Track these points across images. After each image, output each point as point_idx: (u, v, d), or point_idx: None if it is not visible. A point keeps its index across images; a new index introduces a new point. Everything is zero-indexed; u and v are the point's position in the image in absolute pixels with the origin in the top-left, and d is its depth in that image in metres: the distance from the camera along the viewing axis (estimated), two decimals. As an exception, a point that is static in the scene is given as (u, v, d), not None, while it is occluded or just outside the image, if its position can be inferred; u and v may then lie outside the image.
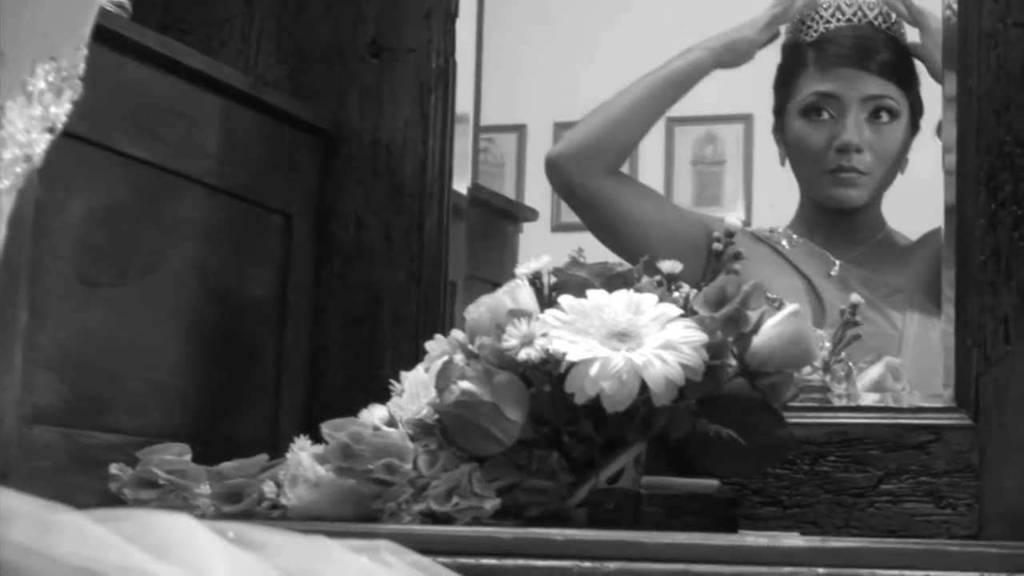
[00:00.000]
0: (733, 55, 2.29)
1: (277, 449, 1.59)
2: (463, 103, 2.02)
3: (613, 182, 2.29)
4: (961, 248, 1.77)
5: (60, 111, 0.93)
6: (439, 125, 1.96)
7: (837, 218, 2.24)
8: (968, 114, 1.77)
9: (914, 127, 2.26)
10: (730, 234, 1.59)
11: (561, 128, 4.42)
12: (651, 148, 2.53)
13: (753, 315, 1.50)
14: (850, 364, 1.97)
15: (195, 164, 1.77)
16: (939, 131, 2.27)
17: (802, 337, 1.55)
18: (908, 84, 2.24)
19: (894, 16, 2.25)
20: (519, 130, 4.40)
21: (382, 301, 1.95)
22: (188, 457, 1.54)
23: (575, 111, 2.40)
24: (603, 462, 1.50)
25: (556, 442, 1.49)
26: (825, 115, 2.20)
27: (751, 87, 2.43)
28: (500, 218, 2.39)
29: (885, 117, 2.20)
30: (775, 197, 2.42)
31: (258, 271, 1.89)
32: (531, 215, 2.48)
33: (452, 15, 1.99)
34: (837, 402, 1.87)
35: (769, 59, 2.31)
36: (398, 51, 1.99)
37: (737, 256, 1.60)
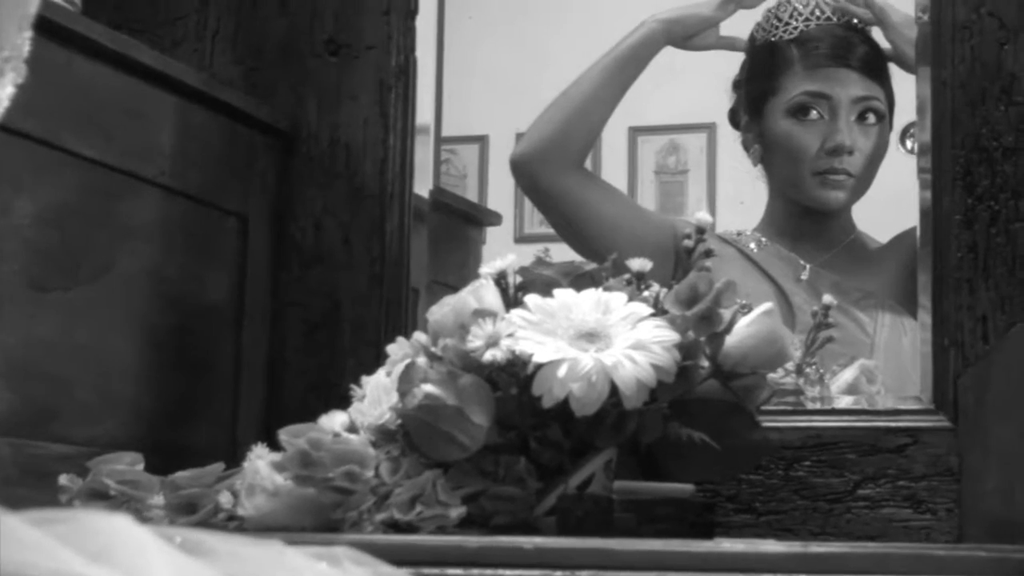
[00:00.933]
0: (683, 29, 2.25)
1: (234, 458, 1.53)
2: (424, 104, 1.96)
3: (580, 180, 2.25)
4: (937, 245, 1.73)
5: (3, 94, 0.88)
6: (400, 124, 1.91)
7: (808, 221, 2.22)
8: (943, 107, 1.73)
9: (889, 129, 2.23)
10: (701, 231, 1.55)
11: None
12: (614, 158, 2.51)
13: (726, 313, 1.45)
14: (820, 371, 1.93)
15: (148, 164, 1.71)
16: (902, 138, 2.26)
17: (776, 337, 1.50)
18: (888, 84, 2.21)
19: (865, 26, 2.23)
20: (481, 141, 4.37)
21: (342, 306, 1.90)
22: (140, 467, 1.48)
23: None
24: (572, 468, 1.44)
25: (523, 447, 1.44)
26: (815, 115, 2.16)
27: (714, 96, 2.40)
28: (463, 223, 2.35)
29: (872, 119, 2.18)
30: (740, 205, 2.38)
31: (214, 275, 1.83)
32: (495, 219, 2.44)
33: (412, 11, 1.94)
34: (811, 405, 1.83)
35: (731, 68, 2.29)
36: (357, 48, 1.94)
37: (708, 253, 1.55)
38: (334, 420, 1.51)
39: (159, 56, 1.73)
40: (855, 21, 2.22)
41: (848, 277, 2.19)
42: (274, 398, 1.88)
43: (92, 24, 1.64)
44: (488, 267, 1.52)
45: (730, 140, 2.32)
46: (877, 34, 2.21)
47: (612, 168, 2.50)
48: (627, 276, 1.52)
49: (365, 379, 1.54)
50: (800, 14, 2.23)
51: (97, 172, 1.64)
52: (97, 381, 1.64)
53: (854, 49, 2.20)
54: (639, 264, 1.52)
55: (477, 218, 2.36)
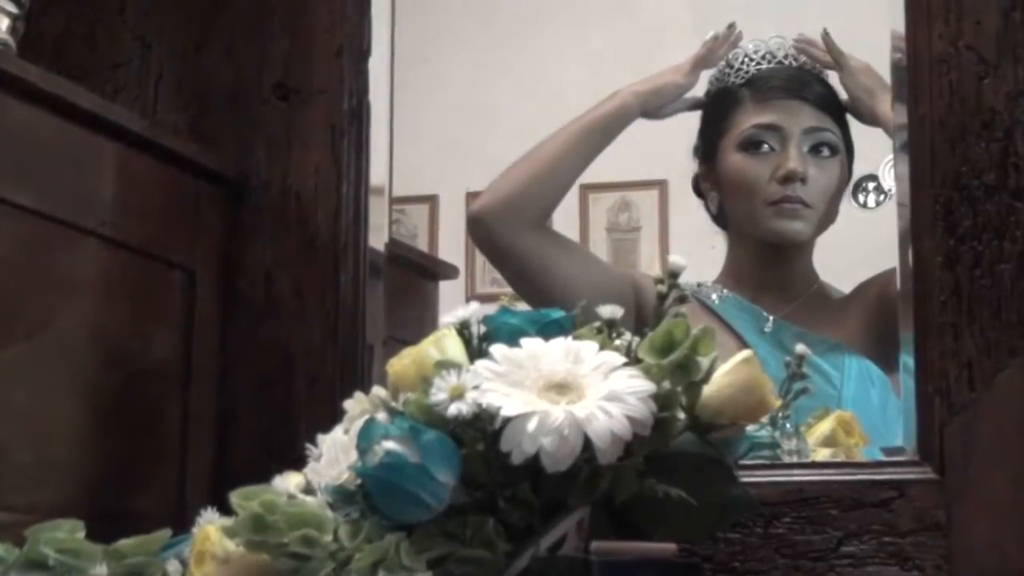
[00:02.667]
0: (659, 99, 2.23)
1: (183, 524, 1.45)
2: (378, 150, 1.88)
3: (540, 237, 2.21)
4: (919, 288, 1.65)
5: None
6: (353, 171, 1.83)
7: (770, 269, 2.19)
8: (921, 144, 1.66)
9: (848, 174, 2.19)
10: (673, 275, 1.46)
11: (474, 197, 4.34)
12: (565, 216, 2.47)
13: (704, 361, 1.37)
14: (796, 423, 1.86)
15: (88, 215, 1.63)
16: (855, 192, 2.22)
17: (756, 385, 1.42)
18: (843, 122, 2.19)
19: (819, 68, 2.22)
20: (431, 200, 4.32)
21: (295, 362, 1.81)
22: (82, 535, 1.39)
23: (487, 181, 2.35)
24: (543, 528, 1.35)
25: (492, 507, 1.34)
26: (766, 147, 2.14)
27: (665, 152, 2.42)
28: (418, 276, 2.27)
29: (826, 152, 2.16)
30: (692, 262, 2.33)
31: (159, 331, 1.75)
32: (451, 272, 2.37)
33: (364, 53, 1.87)
34: (789, 459, 1.75)
35: (683, 124, 2.26)
36: (307, 93, 1.87)
37: (683, 299, 1.47)
38: (289, 481, 1.42)
39: (98, 100, 1.65)
40: (807, 67, 2.20)
41: (812, 328, 2.15)
42: (224, 459, 1.80)
43: (26, 66, 1.57)
44: (450, 316, 1.44)
45: (682, 196, 2.27)
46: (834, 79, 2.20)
47: (564, 226, 2.44)
48: (597, 324, 1.43)
49: (321, 437, 1.45)
50: (751, 59, 2.22)
51: (32, 223, 1.57)
52: (35, 444, 1.56)
53: (806, 83, 2.19)
54: (610, 311, 1.44)
55: (433, 271, 2.28)
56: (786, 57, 2.22)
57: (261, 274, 1.84)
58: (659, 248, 4.14)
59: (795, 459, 1.76)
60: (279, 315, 1.82)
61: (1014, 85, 1.64)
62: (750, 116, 2.18)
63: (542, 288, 2.15)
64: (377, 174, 1.87)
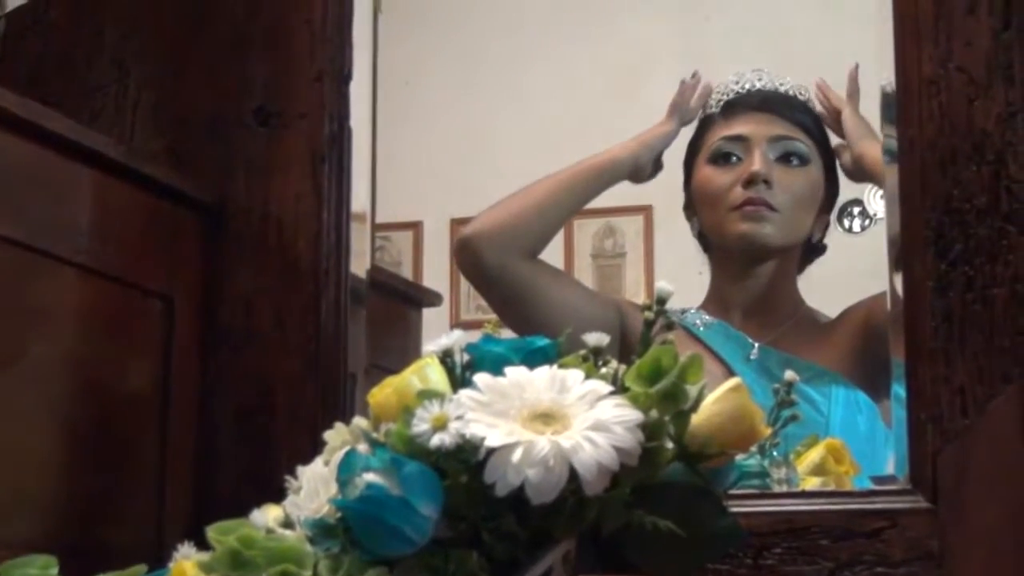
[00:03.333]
0: (650, 151, 2.25)
1: (161, 559, 1.42)
2: (360, 176, 1.85)
3: (529, 265, 2.20)
4: (910, 313, 1.62)
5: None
6: (334, 197, 1.81)
7: (749, 286, 2.19)
8: (911, 167, 1.63)
9: (828, 203, 2.17)
10: (661, 301, 1.43)
11: (458, 224, 4.31)
12: (551, 243, 2.43)
13: (692, 390, 1.34)
14: (786, 451, 1.84)
15: (63, 242, 1.60)
16: (840, 217, 2.21)
17: (746, 414, 1.38)
18: (819, 137, 2.19)
19: (808, 93, 2.22)
20: (415, 227, 4.30)
21: (276, 391, 1.78)
22: (55, 571, 1.36)
23: (471, 207, 2.34)
24: (528, 561, 1.32)
25: (475, 540, 1.31)
26: (734, 159, 2.16)
27: None
28: (401, 304, 2.24)
29: (795, 161, 2.17)
30: (678, 288, 2.31)
31: (137, 361, 1.72)
32: (434, 300, 2.35)
33: (346, 77, 1.84)
34: (778, 488, 1.72)
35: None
36: (287, 117, 1.84)
37: (670, 326, 1.44)
38: (267, 515, 1.38)
39: (74, 126, 1.62)
40: (791, 93, 2.21)
41: (799, 355, 2.13)
42: (203, 492, 1.76)
43: (2, 92, 1.53)
44: (433, 345, 1.41)
45: (667, 222, 2.25)
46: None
47: (549, 252, 2.42)
48: (583, 352, 1.40)
49: (301, 469, 1.42)
50: (731, 90, 2.24)
51: (7, 250, 1.53)
52: (9, 477, 1.52)
53: (774, 98, 2.21)
54: (596, 339, 1.41)
55: (416, 299, 2.26)
56: (766, 85, 2.24)
57: (241, 302, 1.81)
58: (644, 274, 4.12)
59: (785, 488, 1.73)
60: (259, 344, 1.80)
61: (1005, 106, 1.61)
62: (719, 131, 2.20)
63: (528, 315, 2.15)
64: (359, 200, 1.84)
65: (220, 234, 1.82)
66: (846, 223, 2.33)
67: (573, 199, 2.25)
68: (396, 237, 4.36)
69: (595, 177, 2.24)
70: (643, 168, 2.24)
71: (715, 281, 2.24)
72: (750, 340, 2.16)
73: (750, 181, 2.13)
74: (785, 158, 2.16)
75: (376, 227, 2.58)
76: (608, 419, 1.29)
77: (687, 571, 1.54)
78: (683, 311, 2.23)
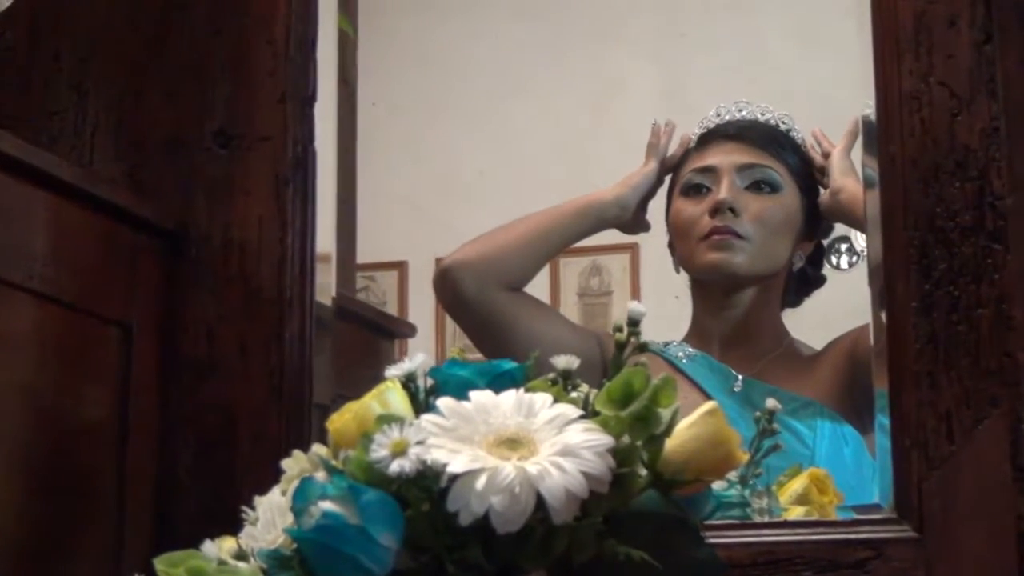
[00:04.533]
0: (634, 192, 2.24)
1: (119, 596, 1.35)
2: (325, 199, 1.81)
3: (510, 297, 2.19)
4: (893, 335, 1.57)
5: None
6: (298, 222, 1.75)
7: (726, 316, 2.18)
8: (893, 185, 1.58)
9: (809, 233, 2.13)
10: (634, 322, 1.37)
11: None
12: (537, 281, 2.44)
13: (665, 413, 1.28)
14: (768, 482, 1.79)
15: (14, 268, 1.54)
16: (828, 254, 2.17)
17: (722, 439, 1.33)
18: (797, 165, 2.18)
19: (791, 123, 2.20)
20: (400, 267, 4.26)
21: (238, 422, 1.73)
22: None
23: (456, 246, 2.31)
24: (496, 595, 1.26)
25: (439, 572, 1.25)
26: (704, 190, 2.15)
27: None
28: (373, 334, 2.18)
29: (766, 188, 2.15)
30: (665, 326, 2.29)
31: (93, 390, 1.66)
32: (407, 331, 2.30)
33: (309, 98, 1.79)
34: (759, 518, 1.66)
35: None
36: (249, 140, 1.78)
37: (642, 347, 1.38)
38: (221, 546, 1.32)
39: (24, 146, 1.56)
40: (772, 123, 2.21)
41: (783, 386, 2.11)
42: (164, 526, 1.70)
43: (-58, 109, 1.48)
44: (395, 368, 1.35)
45: (653, 260, 2.23)
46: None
47: (536, 291, 2.41)
48: (551, 376, 1.34)
49: (258, 499, 1.36)
50: (710, 122, 2.24)
51: (-46, 276, 1.47)
52: (-47, 509, 1.45)
53: (749, 127, 2.19)
54: (565, 361, 1.35)
55: (388, 329, 2.20)
56: (741, 111, 2.22)
57: (203, 330, 1.75)
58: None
59: (766, 519, 1.68)
60: (221, 373, 1.74)
61: (988, 121, 1.57)
62: (692, 163, 2.20)
63: (507, 346, 2.13)
64: (324, 225, 1.79)
65: (180, 260, 1.76)
66: (834, 260, 2.30)
67: (555, 237, 2.24)
68: (381, 277, 4.33)
69: (578, 217, 2.23)
70: (627, 209, 2.22)
71: (695, 313, 2.23)
72: (734, 372, 2.14)
73: (716, 210, 2.12)
74: (755, 186, 2.15)
75: (360, 267, 2.54)
76: (576, 444, 1.23)
77: (663, 604, 1.49)
78: (666, 344, 2.23)
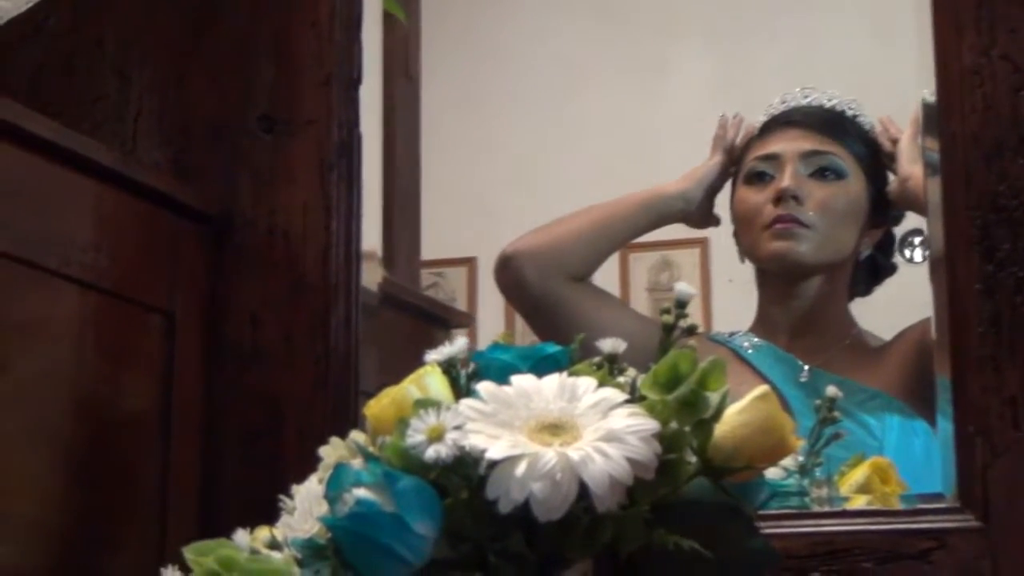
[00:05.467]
0: (698, 184, 2.21)
1: (163, 588, 1.32)
2: (371, 184, 1.77)
3: (572, 287, 2.16)
4: (955, 319, 1.51)
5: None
6: (343, 207, 1.72)
7: (793, 306, 2.12)
8: (954, 164, 1.52)
9: (877, 221, 2.07)
10: (681, 304, 1.33)
11: None
12: (606, 275, 2.41)
13: (713, 397, 1.23)
14: (829, 471, 1.74)
15: (56, 254, 1.51)
16: (901, 246, 2.12)
17: (775, 425, 1.28)
18: (863, 152, 2.13)
19: (857, 109, 2.15)
20: (469, 263, 4.23)
21: (284, 412, 1.69)
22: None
23: None
24: (540, 585, 1.21)
25: (481, 562, 1.21)
26: (766, 177, 2.12)
27: None
28: (427, 323, 2.15)
29: (831, 175, 2.10)
30: (736, 322, 2.24)
31: (135, 380, 1.63)
32: (462, 319, 2.26)
33: (354, 80, 1.75)
34: (818, 508, 1.61)
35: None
36: (294, 124, 1.75)
37: (691, 330, 1.33)
38: (257, 536, 1.29)
39: (60, 129, 1.53)
40: (839, 108, 2.16)
41: (851, 377, 2.05)
42: (208, 517, 1.67)
43: (-14, 97, 1.45)
44: (435, 353, 1.31)
45: (724, 255, 2.18)
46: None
47: (604, 286, 2.37)
48: (597, 359, 1.30)
49: (295, 488, 1.32)
50: (775, 109, 2.20)
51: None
52: (-8, 500, 1.42)
53: (814, 113, 2.15)
54: (611, 344, 1.31)
55: (443, 318, 2.16)
56: (807, 98, 2.19)
57: (247, 318, 1.72)
58: (701, 307, 4.04)
59: (827, 508, 1.62)
60: (266, 362, 1.71)
61: (1053, 95, 1.51)
62: (755, 151, 2.16)
63: (567, 334, 2.05)
64: (370, 210, 1.75)
65: (224, 247, 1.73)
66: (907, 253, 2.25)
67: (618, 229, 2.22)
68: (450, 273, 4.30)
69: (642, 209, 2.20)
70: (692, 203, 2.19)
71: (761, 303, 2.18)
72: (799, 362, 2.09)
73: (779, 198, 2.07)
74: (819, 173, 2.10)
75: (430, 263, 2.50)
76: (621, 429, 1.19)
77: (715, 596, 1.45)
78: (731, 334, 2.19)
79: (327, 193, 1.72)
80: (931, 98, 1.58)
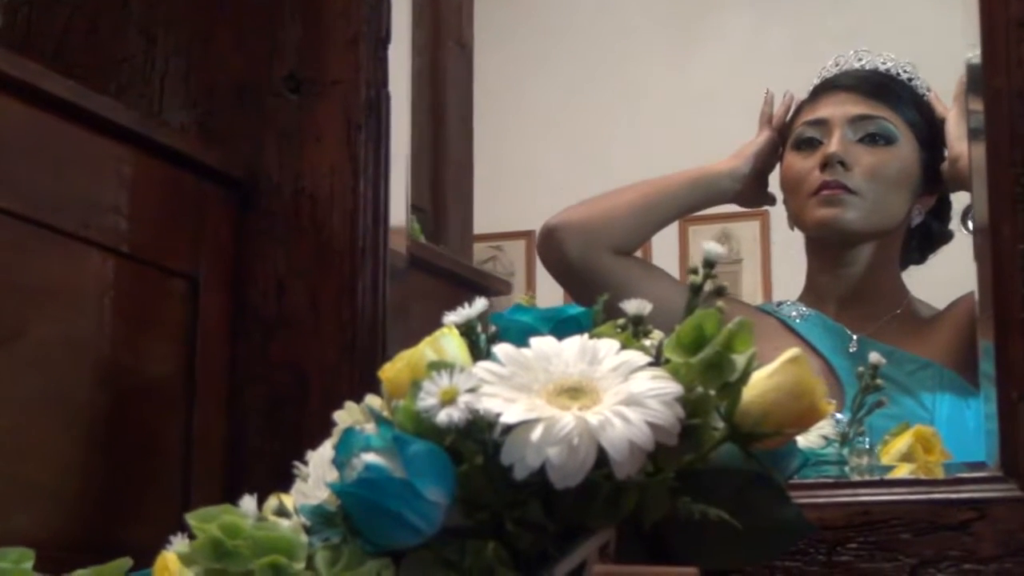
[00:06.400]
0: (746, 161, 2.18)
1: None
2: (398, 145, 1.73)
3: (617, 259, 2.12)
4: (998, 282, 1.46)
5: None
6: (371, 169, 1.68)
7: (840, 274, 2.09)
8: (998, 119, 1.47)
9: (929, 187, 2.03)
10: (709, 263, 1.28)
11: None
12: (665, 248, 2.38)
13: (740, 359, 1.18)
14: (871, 440, 1.70)
15: (75, 217, 1.48)
16: (963, 219, 2.06)
17: (805, 389, 1.22)
18: (914, 117, 2.08)
19: (911, 72, 2.11)
20: (527, 236, 4.20)
21: (310, 379, 1.66)
22: (30, 564, 1.23)
23: None
24: (559, 554, 1.17)
25: (499, 530, 1.17)
26: (815, 143, 2.07)
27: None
28: (466, 290, 2.10)
29: (880, 141, 2.05)
30: (795, 293, 2.19)
31: (157, 346, 1.60)
32: (504, 288, 2.22)
33: (383, 39, 1.72)
34: (856, 477, 1.56)
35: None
36: (321, 84, 1.72)
37: (720, 291, 1.28)
38: (269, 503, 1.25)
39: (78, 88, 1.49)
40: (892, 72, 2.12)
41: (902, 347, 2.02)
42: (233, 488, 1.63)
43: (5, 55, 1.42)
44: (454, 315, 1.27)
45: (784, 227, 2.13)
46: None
47: (663, 258, 2.34)
48: (621, 321, 1.25)
49: (310, 454, 1.28)
50: (827, 71, 2.16)
51: (10, 225, 1.41)
52: (8, 467, 1.39)
53: (864, 77, 2.10)
54: (636, 306, 1.26)
55: (479, 284, 2.11)
56: (860, 60, 2.14)
57: (272, 283, 1.69)
58: (761, 280, 3.99)
59: (865, 478, 1.58)
60: (292, 328, 1.68)
61: (1102, 48, 1.45)
62: (804, 116, 2.12)
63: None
64: (398, 171, 1.71)
65: (249, 210, 1.70)
66: (970, 224, 2.19)
67: (666, 206, 2.17)
68: (508, 247, 4.27)
69: (690, 187, 2.16)
70: (740, 181, 2.15)
71: (810, 271, 2.14)
72: (849, 332, 2.05)
73: (826, 164, 2.03)
74: (870, 138, 2.05)
75: (488, 237, 2.45)
76: (642, 392, 1.14)
77: (744, 567, 1.40)
78: (779, 303, 2.15)
79: (354, 154, 1.68)
80: (976, 59, 1.53)
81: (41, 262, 1.45)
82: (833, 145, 2.02)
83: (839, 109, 2.07)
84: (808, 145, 2.07)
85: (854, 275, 2.07)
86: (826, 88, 2.11)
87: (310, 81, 1.71)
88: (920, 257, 2.13)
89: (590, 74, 4.12)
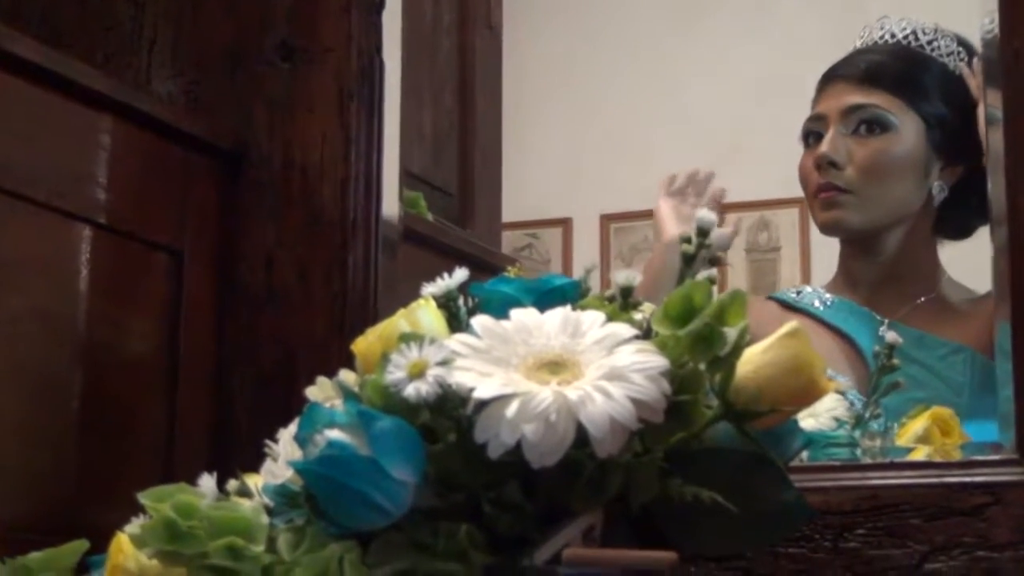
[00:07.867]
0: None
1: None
2: (391, 114, 1.67)
3: None
4: (1016, 263, 1.39)
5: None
6: (363, 139, 1.62)
7: (866, 262, 2.03)
8: (1017, 83, 1.40)
9: (950, 159, 1.98)
10: (703, 232, 1.21)
11: (608, 220, 4.18)
12: None
13: (731, 332, 1.11)
14: (887, 422, 1.65)
15: (54, 188, 1.43)
16: None
17: (803, 364, 1.16)
18: (916, 92, 2.01)
19: (931, 35, 2.04)
20: (565, 224, 4.16)
21: (298, 355, 1.61)
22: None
23: (621, 203, 2.17)
24: (540, 538, 1.10)
25: (474, 512, 1.10)
26: (819, 138, 2.01)
27: None
28: (469, 267, 2.04)
29: (876, 129, 1.98)
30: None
31: (138, 322, 1.55)
32: (498, 260, 2.15)
33: (376, 6, 1.66)
34: (869, 460, 1.50)
35: None
36: (313, 52, 1.67)
37: (715, 261, 1.22)
38: (232, 484, 1.19)
39: (48, 52, 1.44)
40: (907, 41, 2.04)
41: (933, 331, 1.96)
42: (219, 468, 1.55)
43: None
44: (433, 286, 1.21)
45: None
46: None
47: None
48: (608, 292, 1.19)
49: (281, 431, 1.22)
50: (854, 46, 2.10)
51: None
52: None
53: (861, 61, 2.04)
54: (625, 277, 1.19)
55: (485, 261, 2.05)
56: (882, 29, 2.07)
57: (261, 257, 1.64)
58: (800, 269, 3.93)
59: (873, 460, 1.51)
60: (280, 303, 1.63)
61: None
62: (811, 110, 2.06)
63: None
64: (390, 141, 1.65)
65: (237, 181, 1.65)
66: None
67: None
68: (545, 234, 4.23)
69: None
70: None
71: (842, 257, 2.08)
72: (878, 316, 1.99)
73: (818, 166, 1.98)
74: (865, 127, 1.98)
75: (524, 224, 2.39)
76: (625, 366, 1.08)
77: (743, 552, 1.34)
78: (799, 291, 2.10)
79: (346, 124, 1.63)
80: (988, 35, 1.46)
81: (12, 233, 1.39)
82: (824, 145, 1.98)
83: (834, 102, 2.01)
84: (811, 142, 2.02)
85: (885, 260, 2.01)
86: (827, 79, 2.05)
87: (301, 49, 1.67)
88: (962, 230, 2.04)
89: (629, 60, 4.08)
